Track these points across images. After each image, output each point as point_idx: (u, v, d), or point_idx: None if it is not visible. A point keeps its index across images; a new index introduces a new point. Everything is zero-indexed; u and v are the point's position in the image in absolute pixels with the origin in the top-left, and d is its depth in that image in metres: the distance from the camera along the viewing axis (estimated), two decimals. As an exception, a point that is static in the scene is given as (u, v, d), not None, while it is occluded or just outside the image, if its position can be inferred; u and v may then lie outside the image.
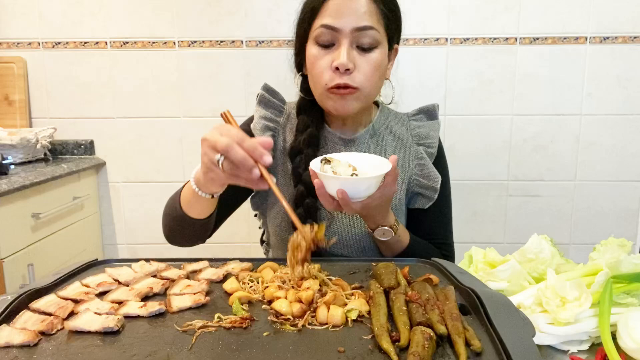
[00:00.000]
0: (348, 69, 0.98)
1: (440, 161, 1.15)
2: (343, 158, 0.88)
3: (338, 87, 1.00)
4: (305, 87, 1.11)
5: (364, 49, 1.00)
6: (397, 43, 1.10)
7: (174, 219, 1.00)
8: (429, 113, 1.17)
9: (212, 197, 0.91)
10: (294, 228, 1.07)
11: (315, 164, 0.85)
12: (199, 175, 0.87)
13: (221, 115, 0.83)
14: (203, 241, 1.07)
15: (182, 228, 1.01)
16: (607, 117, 1.92)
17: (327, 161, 0.86)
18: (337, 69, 0.98)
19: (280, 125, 1.13)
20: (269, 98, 1.14)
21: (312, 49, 1.02)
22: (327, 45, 1.00)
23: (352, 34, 0.98)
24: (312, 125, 1.09)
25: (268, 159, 0.73)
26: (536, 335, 0.61)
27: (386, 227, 0.96)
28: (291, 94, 1.17)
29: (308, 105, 1.11)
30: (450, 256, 1.15)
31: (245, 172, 0.74)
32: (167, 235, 1.07)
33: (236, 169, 0.75)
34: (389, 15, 1.03)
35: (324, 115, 1.13)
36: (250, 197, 1.17)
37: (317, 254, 1.07)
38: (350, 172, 0.84)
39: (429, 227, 1.14)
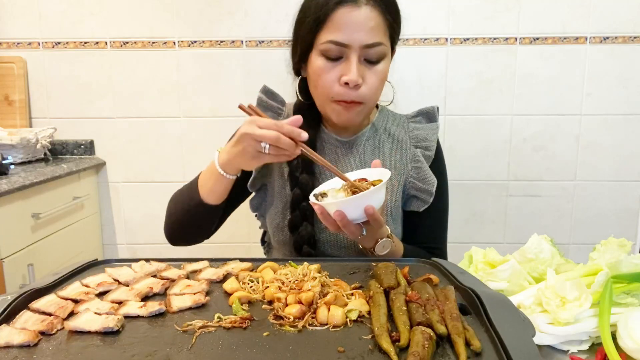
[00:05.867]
0: (357, 85, 0.99)
1: (437, 164, 1.15)
2: (337, 185, 0.90)
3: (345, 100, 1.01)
4: (304, 91, 1.10)
5: (372, 62, 1.01)
6: (396, 44, 1.10)
7: (186, 211, 1.03)
8: (429, 115, 1.17)
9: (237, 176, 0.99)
10: (290, 228, 1.08)
11: (312, 201, 0.88)
12: (225, 160, 0.95)
13: (242, 107, 0.92)
14: (208, 236, 1.09)
15: (193, 219, 1.03)
16: (607, 117, 1.92)
17: (324, 194, 0.89)
18: (346, 83, 0.99)
19: None
20: (267, 101, 1.15)
21: (317, 61, 1.01)
22: (334, 58, 1.01)
23: (361, 50, 0.99)
24: (309, 129, 1.09)
25: (304, 135, 0.86)
26: (536, 335, 0.61)
27: (385, 239, 0.94)
28: (292, 94, 1.17)
29: (306, 108, 1.11)
30: None
31: (289, 152, 0.87)
32: (172, 232, 1.07)
33: (280, 151, 0.87)
34: (394, 25, 1.04)
35: (322, 117, 1.13)
36: (249, 198, 1.17)
37: (316, 255, 1.08)
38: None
39: (423, 230, 1.14)
